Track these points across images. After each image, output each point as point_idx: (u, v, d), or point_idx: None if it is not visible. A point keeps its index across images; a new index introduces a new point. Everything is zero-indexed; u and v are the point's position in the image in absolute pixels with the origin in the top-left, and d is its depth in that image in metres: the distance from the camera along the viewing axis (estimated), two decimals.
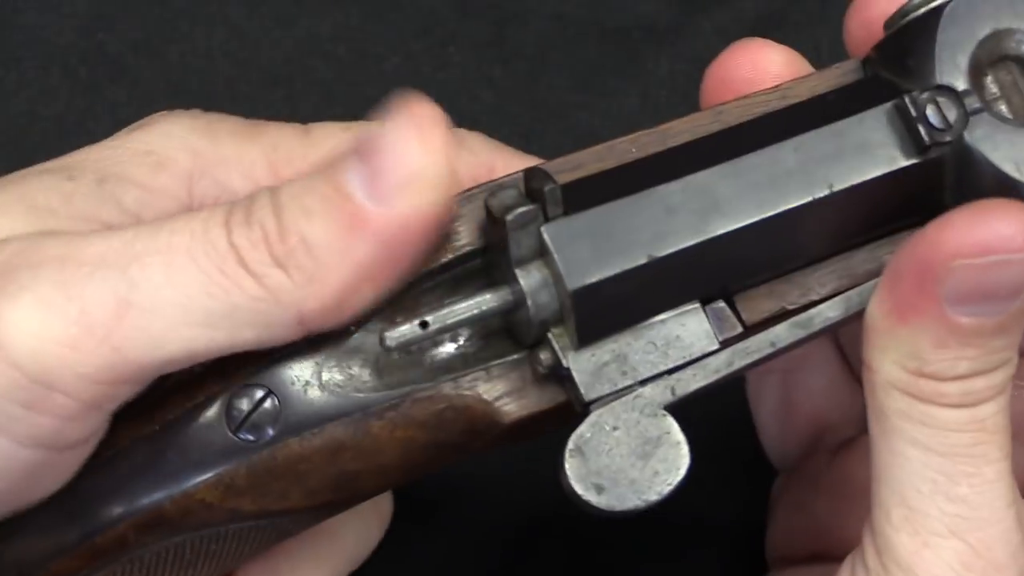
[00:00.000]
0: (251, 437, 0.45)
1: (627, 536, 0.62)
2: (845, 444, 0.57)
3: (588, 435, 0.43)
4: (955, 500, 0.44)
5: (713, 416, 0.62)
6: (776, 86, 0.47)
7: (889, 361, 0.44)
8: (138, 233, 0.43)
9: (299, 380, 0.45)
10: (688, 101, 0.68)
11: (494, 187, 0.45)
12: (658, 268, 0.43)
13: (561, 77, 0.69)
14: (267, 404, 0.45)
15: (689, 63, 0.69)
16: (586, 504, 0.42)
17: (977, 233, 0.42)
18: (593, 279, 0.43)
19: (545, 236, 0.43)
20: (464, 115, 0.68)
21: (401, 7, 0.70)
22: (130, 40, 0.69)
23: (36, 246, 0.43)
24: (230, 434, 0.45)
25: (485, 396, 0.45)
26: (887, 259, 0.45)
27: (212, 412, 0.45)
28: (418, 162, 0.42)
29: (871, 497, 0.45)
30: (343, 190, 0.42)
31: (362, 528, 0.54)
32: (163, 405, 0.45)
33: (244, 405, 0.45)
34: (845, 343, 0.58)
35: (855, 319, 0.45)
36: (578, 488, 0.42)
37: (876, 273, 0.45)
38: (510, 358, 0.45)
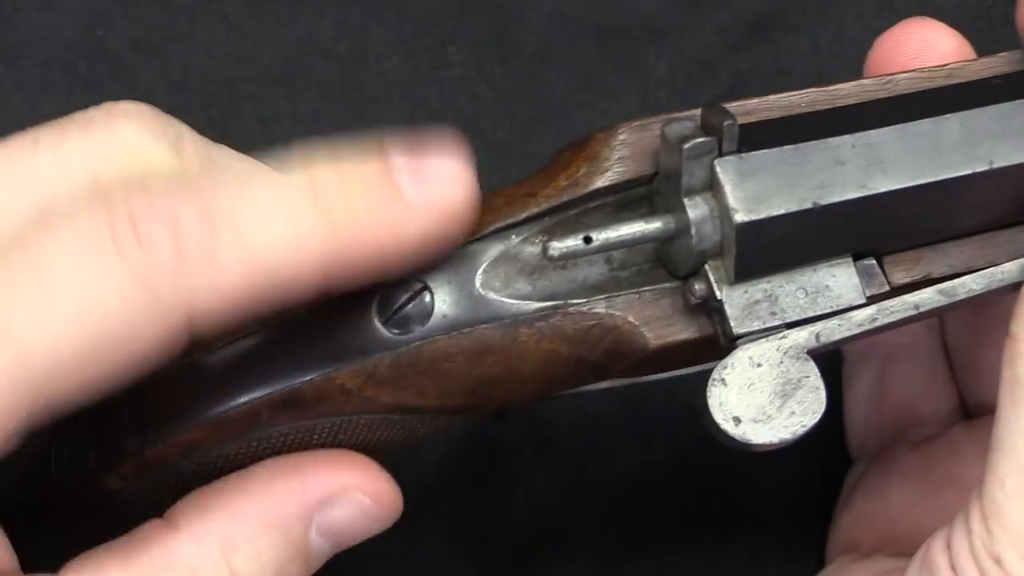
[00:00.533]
0: (401, 330, 0.45)
1: (682, 518, 0.63)
2: (930, 437, 0.58)
3: (733, 367, 0.44)
4: None
5: None
6: (943, 64, 0.49)
7: None
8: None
9: (456, 279, 0.46)
10: (688, 101, 0.68)
11: (670, 119, 0.46)
12: (820, 216, 0.45)
13: (561, 77, 0.69)
14: (420, 299, 0.46)
15: (689, 63, 0.69)
16: (722, 434, 0.44)
17: None
18: (759, 216, 0.44)
19: (718, 169, 0.45)
20: (464, 115, 0.68)
21: (401, 7, 0.70)
22: (130, 38, 0.69)
23: None
24: (380, 325, 0.45)
25: (633, 319, 0.46)
26: None
27: (364, 299, 0.46)
28: (457, 177, 0.43)
29: (986, 465, 0.46)
30: (390, 177, 0.43)
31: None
32: None
33: (399, 297, 0.45)
34: (951, 338, 0.59)
35: (994, 295, 0.47)
36: (717, 416, 0.44)
37: (1018, 254, 0.47)
38: (663, 286, 0.46)
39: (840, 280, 0.46)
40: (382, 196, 0.43)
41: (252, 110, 0.68)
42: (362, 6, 0.70)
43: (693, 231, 0.45)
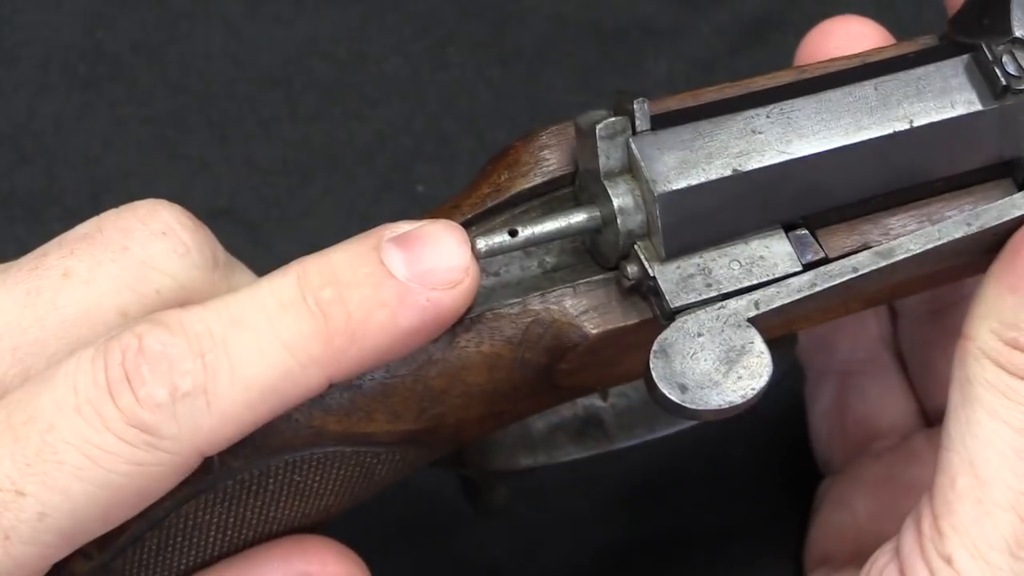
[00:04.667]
0: None
1: (662, 537, 0.63)
2: (891, 447, 0.58)
3: (673, 339, 0.44)
4: (1021, 476, 0.45)
5: (760, 424, 0.62)
6: (857, 54, 0.49)
7: (987, 329, 0.46)
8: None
9: None
10: None
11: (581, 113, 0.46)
12: (742, 183, 0.45)
13: (561, 77, 0.69)
14: None
15: (689, 63, 0.69)
16: (669, 403, 0.43)
17: None
18: (680, 186, 0.44)
19: (633, 146, 0.45)
20: (463, 115, 0.68)
21: (401, 7, 0.70)
22: (129, 39, 0.69)
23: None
24: None
25: (571, 310, 0.46)
26: (967, 207, 0.47)
27: None
28: (457, 258, 0.43)
29: (936, 465, 0.46)
30: (385, 267, 0.43)
31: None
32: None
33: None
34: (906, 349, 0.59)
35: (935, 257, 0.46)
36: (662, 387, 0.43)
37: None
38: (596, 277, 0.46)
39: (773, 250, 0.46)
40: (372, 280, 0.43)
41: (251, 111, 0.68)
42: (361, 7, 0.70)
43: (617, 213, 0.45)
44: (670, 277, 0.45)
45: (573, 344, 0.46)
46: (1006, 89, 0.46)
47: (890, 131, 0.46)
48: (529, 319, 0.46)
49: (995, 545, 0.45)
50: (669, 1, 0.70)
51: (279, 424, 0.45)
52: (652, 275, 0.45)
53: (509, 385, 0.46)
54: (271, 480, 0.46)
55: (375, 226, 0.45)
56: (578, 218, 0.45)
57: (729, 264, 0.45)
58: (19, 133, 0.67)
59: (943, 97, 0.46)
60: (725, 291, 0.45)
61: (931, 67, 0.47)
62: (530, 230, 0.45)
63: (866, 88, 0.46)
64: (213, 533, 0.46)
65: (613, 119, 0.45)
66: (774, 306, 0.45)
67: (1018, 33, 0.46)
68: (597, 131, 0.45)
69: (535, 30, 0.69)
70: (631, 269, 0.45)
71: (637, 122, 0.45)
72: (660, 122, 0.45)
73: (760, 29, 0.70)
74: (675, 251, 0.45)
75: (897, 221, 0.48)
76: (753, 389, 0.43)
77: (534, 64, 0.69)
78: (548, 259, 0.47)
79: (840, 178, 0.46)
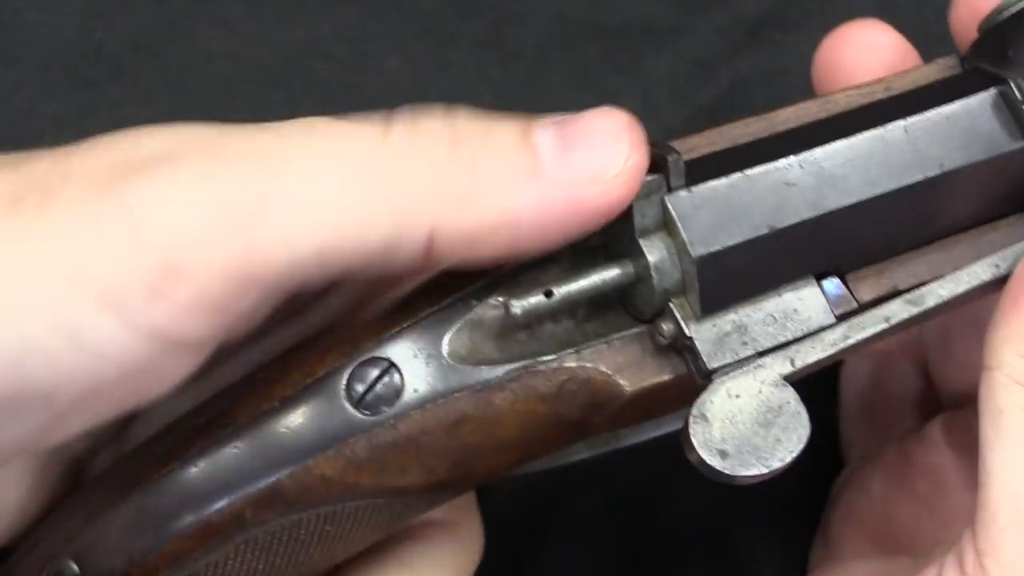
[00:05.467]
0: (372, 410, 0.45)
1: (667, 535, 0.62)
2: (910, 431, 0.58)
3: (712, 402, 0.44)
4: None
5: None
6: (880, 79, 0.49)
7: (1013, 353, 0.45)
8: (281, 131, 0.43)
9: (422, 352, 0.45)
10: (688, 101, 0.68)
11: None
12: (778, 239, 0.45)
13: (561, 77, 0.69)
14: (389, 377, 0.45)
15: (689, 63, 0.69)
16: (710, 469, 0.43)
17: None
18: (717, 247, 0.44)
19: (669, 205, 0.44)
20: None
21: (401, 7, 0.70)
22: (130, 39, 0.69)
23: (181, 137, 0.43)
24: (351, 408, 0.45)
25: (605, 368, 0.46)
26: (992, 241, 0.47)
27: (332, 386, 0.45)
28: (614, 157, 0.43)
29: (976, 502, 0.45)
30: (531, 140, 0.43)
31: (469, 538, 0.53)
32: (283, 380, 0.46)
33: (366, 378, 0.45)
34: (927, 337, 0.59)
35: (964, 299, 0.46)
36: (703, 454, 0.43)
37: (982, 256, 0.47)
38: (630, 331, 0.46)
39: (807, 302, 0.45)
40: (515, 158, 0.42)
41: (252, 112, 0.68)
42: (362, 7, 0.70)
43: (653, 272, 0.44)
44: (707, 336, 0.45)
45: (609, 401, 0.46)
46: None
47: (922, 176, 0.46)
48: (564, 377, 0.45)
49: None
50: (669, 1, 0.70)
51: (311, 481, 0.45)
52: (689, 335, 0.45)
53: (542, 437, 0.46)
54: (303, 531, 0.46)
55: None
56: (612, 274, 0.45)
57: (764, 319, 0.45)
58: (19, 133, 0.67)
59: (973, 138, 0.46)
60: (761, 348, 0.45)
61: (958, 105, 0.46)
62: (565, 288, 0.45)
63: (896, 131, 0.46)
64: None
65: (649, 179, 0.44)
66: (809, 361, 0.45)
67: None
68: None
69: (535, 30, 0.69)
70: (667, 327, 0.45)
71: (672, 180, 0.44)
72: (691, 171, 0.45)
73: (760, 29, 0.70)
74: (711, 309, 0.45)
75: (924, 261, 0.47)
76: (791, 452, 0.44)
77: (534, 64, 0.69)
78: (580, 310, 0.47)
79: (872, 226, 0.46)
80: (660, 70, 0.69)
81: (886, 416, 0.59)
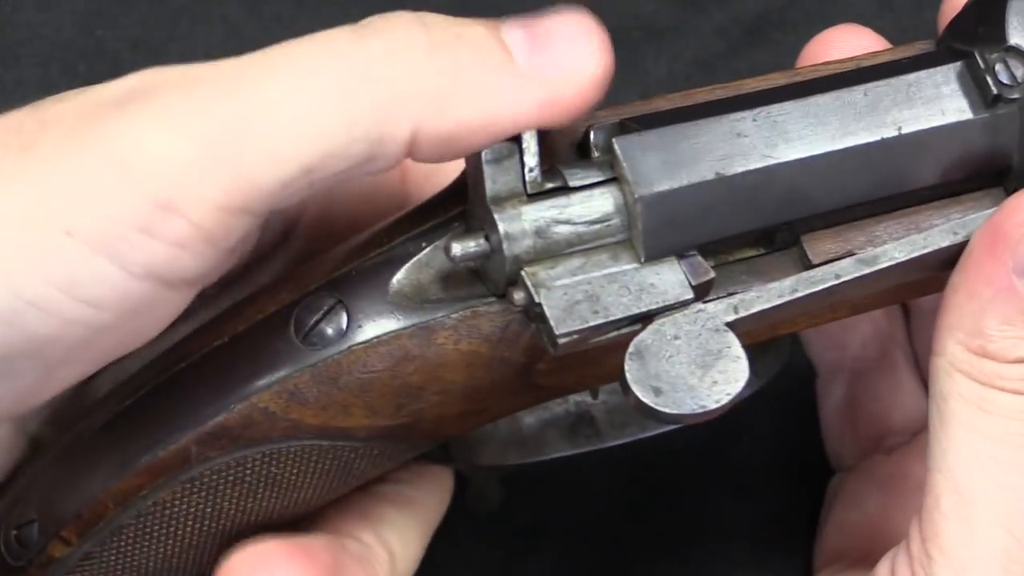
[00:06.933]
0: (319, 344, 0.45)
1: (665, 536, 0.63)
2: (902, 444, 0.57)
3: (649, 341, 0.43)
4: (1005, 488, 0.44)
5: (767, 420, 0.62)
6: (851, 58, 0.49)
7: (954, 341, 0.45)
8: (251, 57, 0.42)
9: (369, 290, 0.45)
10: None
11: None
12: (726, 187, 0.44)
13: None
14: (336, 314, 0.45)
15: (689, 63, 0.69)
16: (643, 406, 0.42)
17: None
18: (662, 188, 0.44)
19: (616, 147, 0.44)
20: None
21: (401, 7, 0.70)
22: (129, 38, 0.69)
23: (150, 76, 0.42)
24: (297, 341, 0.45)
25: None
26: (955, 216, 0.46)
27: (280, 322, 0.45)
28: (587, 56, 0.42)
29: (924, 486, 0.45)
30: (502, 39, 0.42)
31: (434, 493, 0.53)
32: (234, 318, 0.46)
33: (313, 313, 0.45)
34: (920, 349, 0.59)
35: (921, 266, 0.46)
36: (636, 389, 0.42)
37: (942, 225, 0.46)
38: None
39: (664, 277, 0.44)
40: (490, 58, 0.42)
41: None
42: (361, 7, 0.69)
43: (504, 238, 0.44)
44: (556, 303, 0.43)
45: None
46: (997, 98, 0.45)
47: (878, 137, 0.45)
48: (509, 317, 0.45)
49: (986, 564, 0.44)
50: (669, 1, 0.70)
51: (256, 416, 0.45)
52: (538, 301, 0.44)
53: (488, 383, 0.46)
54: (248, 471, 0.46)
55: None
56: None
57: (618, 291, 0.44)
58: None
59: (933, 104, 0.46)
60: (612, 318, 0.44)
61: (923, 73, 0.46)
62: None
63: (855, 93, 0.46)
64: (191, 523, 0.46)
65: (499, 144, 0.43)
66: (753, 311, 0.44)
67: (1012, 41, 0.46)
68: (483, 156, 0.43)
69: None
70: (517, 296, 0.44)
71: (525, 158, 0.43)
72: (647, 123, 0.45)
73: (760, 29, 0.70)
74: (655, 254, 0.44)
75: (884, 228, 0.47)
76: (728, 394, 0.42)
77: None
78: None
79: (826, 184, 0.45)
80: (659, 70, 0.69)
81: (867, 432, 0.59)
